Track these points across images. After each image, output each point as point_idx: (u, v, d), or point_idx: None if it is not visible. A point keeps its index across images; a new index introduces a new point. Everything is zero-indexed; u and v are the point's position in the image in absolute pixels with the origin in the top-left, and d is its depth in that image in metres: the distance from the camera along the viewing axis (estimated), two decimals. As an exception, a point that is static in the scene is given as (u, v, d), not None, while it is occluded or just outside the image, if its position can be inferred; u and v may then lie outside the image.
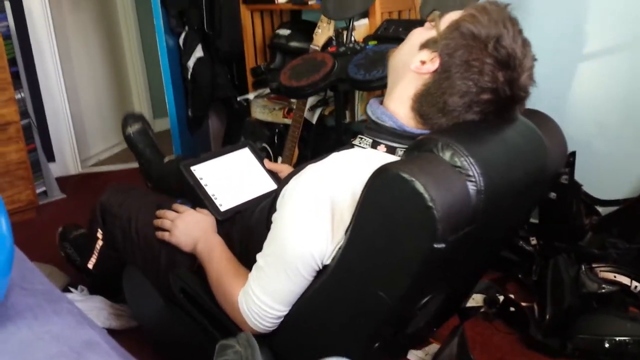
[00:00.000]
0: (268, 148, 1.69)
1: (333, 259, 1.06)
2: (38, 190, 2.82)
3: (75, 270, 1.97)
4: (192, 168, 1.53)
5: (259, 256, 1.15)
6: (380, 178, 0.94)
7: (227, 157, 1.61)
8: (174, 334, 1.51)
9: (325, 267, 1.08)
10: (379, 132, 1.13)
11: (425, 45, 1.07)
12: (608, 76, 2.19)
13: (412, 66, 1.08)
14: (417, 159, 0.98)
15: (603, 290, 1.79)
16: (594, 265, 1.91)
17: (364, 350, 1.16)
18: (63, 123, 3.29)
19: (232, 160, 1.61)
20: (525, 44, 1.05)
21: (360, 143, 1.16)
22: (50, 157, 3.24)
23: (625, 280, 1.86)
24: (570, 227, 2.12)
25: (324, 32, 2.23)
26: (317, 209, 1.04)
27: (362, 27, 2.31)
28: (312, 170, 1.10)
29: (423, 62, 1.07)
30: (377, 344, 1.19)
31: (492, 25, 1.01)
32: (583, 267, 1.88)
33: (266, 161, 1.63)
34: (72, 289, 1.89)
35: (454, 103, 1.04)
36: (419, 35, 1.10)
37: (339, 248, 1.04)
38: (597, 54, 2.19)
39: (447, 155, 0.96)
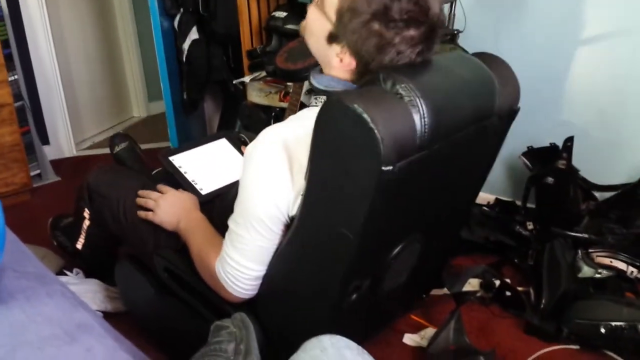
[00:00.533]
0: (246, 138, 1.73)
1: (298, 208, 1.08)
2: (32, 173, 2.80)
3: (69, 256, 1.96)
4: (171, 158, 1.56)
5: (229, 221, 1.18)
6: (324, 111, 0.98)
7: (204, 147, 1.64)
8: (167, 321, 1.52)
9: (292, 218, 1.11)
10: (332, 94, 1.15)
11: (331, 40, 1.09)
12: (607, 61, 2.17)
13: (334, 64, 1.11)
14: (360, 90, 1.03)
15: (599, 275, 1.79)
16: (590, 250, 1.91)
17: (339, 301, 1.19)
18: (57, 106, 3.25)
19: (210, 150, 1.64)
20: None
21: (316, 103, 1.17)
22: (45, 140, 3.21)
23: (621, 265, 1.87)
24: (567, 212, 2.12)
25: (321, 14, 2.20)
26: (274, 160, 1.07)
27: (359, 10, 2.28)
28: (268, 129, 1.12)
29: (340, 56, 1.09)
30: (354, 296, 1.21)
31: None
32: (579, 252, 1.88)
33: (244, 148, 1.64)
34: (67, 272, 1.88)
35: (394, 65, 1.05)
36: (319, 28, 1.11)
37: (302, 195, 1.06)
38: (597, 40, 2.17)
39: (388, 85, 1.00)
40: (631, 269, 1.85)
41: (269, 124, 2.50)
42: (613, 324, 1.56)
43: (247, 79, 2.68)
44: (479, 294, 1.86)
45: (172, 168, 1.54)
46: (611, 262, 1.88)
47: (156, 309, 1.52)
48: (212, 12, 2.89)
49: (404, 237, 1.24)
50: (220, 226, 1.36)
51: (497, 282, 1.85)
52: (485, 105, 1.16)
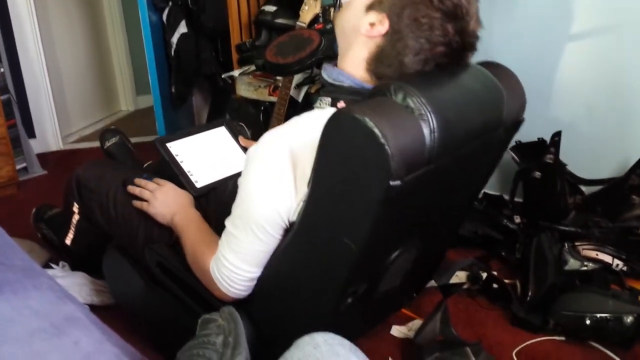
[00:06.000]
0: (244, 126, 1.72)
1: (298, 214, 1.07)
2: (18, 167, 2.78)
3: (54, 250, 1.95)
4: (168, 145, 1.53)
5: (227, 221, 1.16)
6: (333, 121, 0.96)
7: (203, 135, 1.61)
8: (156, 313, 1.51)
9: (292, 224, 1.10)
10: (337, 92, 1.13)
11: (371, 7, 1.07)
12: (595, 57, 2.18)
13: (362, 30, 1.08)
14: (370, 102, 1.00)
15: (585, 268, 1.81)
16: (576, 244, 1.93)
17: (335, 306, 1.18)
18: (44, 99, 3.23)
19: (208, 138, 1.61)
20: None
21: (320, 105, 1.16)
22: (31, 133, 3.19)
23: (607, 258, 1.89)
24: (554, 206, 2.14)
25: (310, 8, 2.20)
26: (278, 166, 1.05)
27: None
28: (272, 132, 1.10)
29: (372, 25, 1.07)
30: (349, 300, 1.21)
31: None
32: (566, 245, 1.89)
33: (241, 138, 1.64)
34: (53, 265, 1.87)
35: (409, 62, 1.05)
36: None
37: (303, 202, 1.05)
38: (584, 35, 2.19)
39: (399, 98, 0.98)
40: (617, 261, 1.87)
41: (258, 118, 2.52)
42: (598, 315, 1.58)
43: (236, 73, 2.67)
44: (466, 287, 1.87)
45: (169, 156, 1.51)
46: (597, 255, 1.90)
47: (145, 301, 1.51)
48: (201, 5, 2.88)
49: (402, 243, 1.23)
50: (215, 223, 1.35)
51: (485, 275, 1.86)
52: (493, 118, 1.15)
